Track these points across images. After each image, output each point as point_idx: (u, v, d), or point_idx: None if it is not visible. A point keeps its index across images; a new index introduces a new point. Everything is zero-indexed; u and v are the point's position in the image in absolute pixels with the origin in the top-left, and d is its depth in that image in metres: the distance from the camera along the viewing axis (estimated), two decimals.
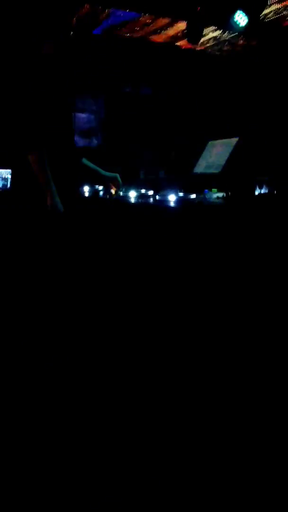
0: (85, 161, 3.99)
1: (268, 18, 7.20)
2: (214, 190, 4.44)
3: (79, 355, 2.17)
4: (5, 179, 6.48)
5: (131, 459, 1.54)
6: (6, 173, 6.49)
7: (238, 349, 2.49)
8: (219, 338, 2.68)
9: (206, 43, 7.89)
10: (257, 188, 4.68)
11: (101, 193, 4.98)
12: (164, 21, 7.29)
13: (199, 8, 6.94)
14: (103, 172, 4.03)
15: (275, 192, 4.44)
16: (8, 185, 6.49)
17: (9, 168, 6.51)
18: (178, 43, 7.86)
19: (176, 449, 1.61)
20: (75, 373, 2.02)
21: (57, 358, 2.19)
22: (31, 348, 2.21)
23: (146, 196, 4.24)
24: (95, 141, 8.67)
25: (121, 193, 4.46)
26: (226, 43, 7.78)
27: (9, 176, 6.27)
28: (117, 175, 3.99)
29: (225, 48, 7.94)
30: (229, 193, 4.40)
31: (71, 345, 2.30)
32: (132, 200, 4.28)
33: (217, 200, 4.22)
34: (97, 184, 5.20)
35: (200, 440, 1.66)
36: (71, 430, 1.68)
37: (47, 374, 2.00)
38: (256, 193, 4.69)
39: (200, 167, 4.99)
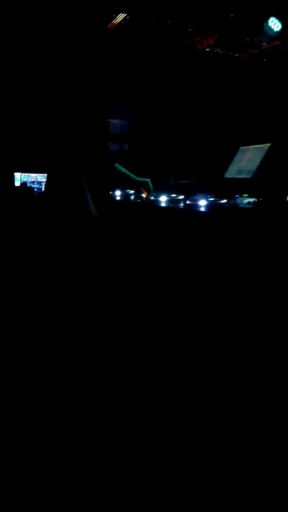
0: (117, 166, 4.09)
1: None
2: (245, 195, 4.44)
3: (81, 354, 2.20)
4: (41, 183, 6.67)
5: (131, 458, 1.56)
6: (42, 177, 6.68)
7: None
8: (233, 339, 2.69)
9: (239, 49, 7.90)
10: None
11: (132, 197, 5.06)
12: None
13: (231, 15, 6.98)
14: (134, 177, 4.12)
15: None
16: (43, 189, 6.68)
17: (44, 173, 6.70)
18: (212, 49, 7.90)
19: (176, 449, 1.63)
20: (75, 372, 2.05)
21: (60, 357, 2.22)
22: (34, 346, 2.24)
23: (176, 201, 4.29)
24: (126, 146, 8.78)
25: (152, 198, 4.52)
26: (259, 48, 7.77)
27: (44, 180, 6.45)
28: (148, 180, 4.08)
29: (257, 53, 7.93)
30: (260, 199, 4.40)
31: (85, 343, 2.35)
32: (163, 204, 4.34)
33: (247, 206, 4.23)
34: (128, 189, 5.29)
35: (200, 440, 1.67)
36: (71, 430, 1.70)
37: (47, 373, 2.03)
38: None
39: (231, 172, 5.00)
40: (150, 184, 4.09)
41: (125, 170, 4.16)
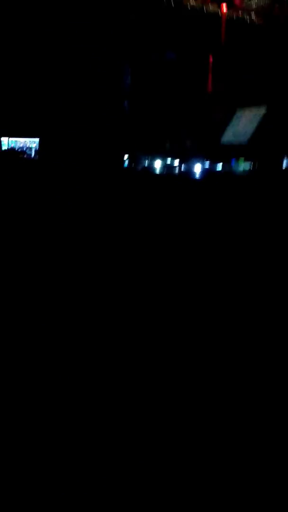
0: None
1: None
2: (241, 159, 4.33)
3: (80, 351, 2.16)
4: (30, 149, 6.44)
5: (131, 458, 1.55)
6: (32, 142, 6.44)
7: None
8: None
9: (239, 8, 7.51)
10: (286, 158, 4.54)
11: (126, 162, 4.92)
12: None
13: None
14: None
15: None
16: (33, 154, 6.45)
17: (36, 137, 6.44)
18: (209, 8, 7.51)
19: (176, 449, 1.61)
20: (75, 371, 2.02)
21: (57, 355, 2.17)
22: (31, 345, 2.20)
23: (171, 166, 4.17)
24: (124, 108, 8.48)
25: (145, 163, 4.40)
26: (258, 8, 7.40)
27: (33, 146, 6.22)
28: None
29: (257, 14, 7.55)
30: (257, 163, 4.30)
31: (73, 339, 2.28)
32: (157, 170, 4.22)
33: (244, 171, 4.12)
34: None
35: (200, 440, 1.65)
36: (72, 429, 1.68)
37: (47, 372, 2.00)
38: (285, 163, 4.55)
39: (228, 136, 4.85)
40: None
41: None
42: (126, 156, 5.01)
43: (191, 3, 7.57)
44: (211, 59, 6.95)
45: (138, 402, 1.81)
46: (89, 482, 1.46)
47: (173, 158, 4.37)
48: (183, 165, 4.26)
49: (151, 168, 4.37)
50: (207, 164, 4.18)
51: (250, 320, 2.59)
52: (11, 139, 6.58)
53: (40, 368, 2.01)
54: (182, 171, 4.18)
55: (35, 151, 6.09)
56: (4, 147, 6.59)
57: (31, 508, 1.37)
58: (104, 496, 1.40)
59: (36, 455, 1.53)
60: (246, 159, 4.46)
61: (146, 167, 4.28)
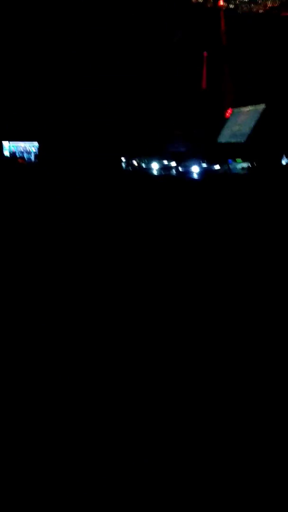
0: None
1: None
2: (239, 160, 4.32)
3: (80, 351, 2.12)
4: (30, 153, 6.47)
5: (131, 459, 1.51)
6: (31, 146, 6.48)
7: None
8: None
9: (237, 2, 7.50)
10: (285, 158, 4.51)
11: (123, 165, 4.93)
12: None
13: None
14: None
15: None
16: (32, 158, 6.49)
17: (34, 141, 6.47)
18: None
19: (176, 448, 1.57)
20: (75, 371, 1.98)
21: (57, 355, 2.13)
22: (32, 344, 2.16)
23: (168, 167, 4.17)
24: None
25: (143, 165, 4.40)
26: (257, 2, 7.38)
27: (33, 150, 6.26)
28: None
29: (255, 8, 7.54)
30: (255, 163, 4.28)
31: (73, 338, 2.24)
32: (155, 172, 4.22)
33: (241, 171, 4.11)
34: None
35: (200, 440, 1.61)
36: (72, 430, 1.64)
37: (47, 373, 1.97)
38: (284, 162, 4.53)
39: (224, 137, 4.84)
40: None
41: None
42: (123, 159, 5.03)
43: None
44: (205, 56, 6.96)
45: (138, 401, 1.77)
46: (88, 482, 1.40)
47: (170, 160, 4.37)
48: (179, 167, 4.27)
49: (148, 169, 4.38)
50: (203, 165, 4.17)
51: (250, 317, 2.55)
52: (11, 143, 6.61)
53: (40, 366, 1.98)
54: (179, 172, 4.18)
55: (35, 155, 6.09)
56: (6, 151, 6.62)
57: (31, 508, 1.32)
58: (104, 496, 1.35)
59: (36, 454, 1.49)
60: (243, 160, 4.45)
61: (143, 168, 4.29)
